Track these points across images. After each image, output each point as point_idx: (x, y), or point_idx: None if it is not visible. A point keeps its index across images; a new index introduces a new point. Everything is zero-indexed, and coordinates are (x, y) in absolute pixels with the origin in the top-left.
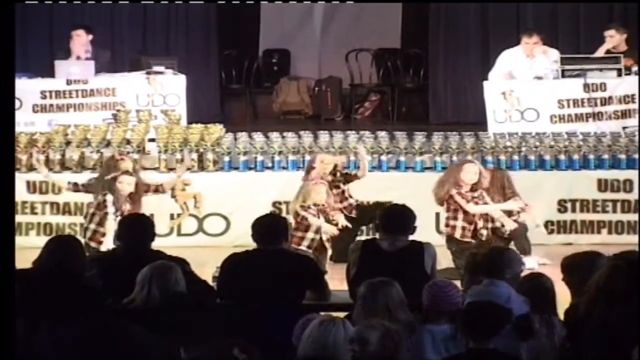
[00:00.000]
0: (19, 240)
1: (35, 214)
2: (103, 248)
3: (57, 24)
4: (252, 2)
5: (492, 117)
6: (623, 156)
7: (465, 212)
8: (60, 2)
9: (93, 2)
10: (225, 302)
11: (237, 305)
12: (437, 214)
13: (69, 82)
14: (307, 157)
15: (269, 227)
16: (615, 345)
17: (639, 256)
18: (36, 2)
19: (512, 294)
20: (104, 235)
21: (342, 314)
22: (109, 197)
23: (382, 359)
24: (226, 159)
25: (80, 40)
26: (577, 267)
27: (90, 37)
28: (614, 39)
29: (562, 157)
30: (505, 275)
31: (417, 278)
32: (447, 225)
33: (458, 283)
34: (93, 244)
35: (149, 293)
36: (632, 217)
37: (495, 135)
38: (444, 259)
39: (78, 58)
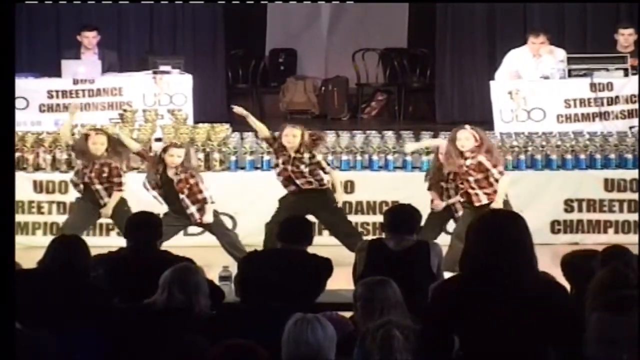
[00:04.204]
0: (26, 239)
1: (42, 213)
2: None
3: (63, 24)
4: (252, 2)
5: (499, 116)
6: (630, 156)
7: None
8: (61, 2)
9: (93, 1)
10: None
11: (249, 306)
12: None
13: (75, 82)
14: None
15: (298, 227)
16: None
17: (639, 255)
18: (37, 2)
19: None
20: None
21: (348, 314)
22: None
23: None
24: (233, 158)
25: (91, 42)
26: (573, 265)
27: (99, 37)
28: (631, 37)
29: (569, 156)
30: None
31: (423, 277)
32: None
33: None
34: None
35: (170, 296)
36: None
37: (501, 135)
38: None
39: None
